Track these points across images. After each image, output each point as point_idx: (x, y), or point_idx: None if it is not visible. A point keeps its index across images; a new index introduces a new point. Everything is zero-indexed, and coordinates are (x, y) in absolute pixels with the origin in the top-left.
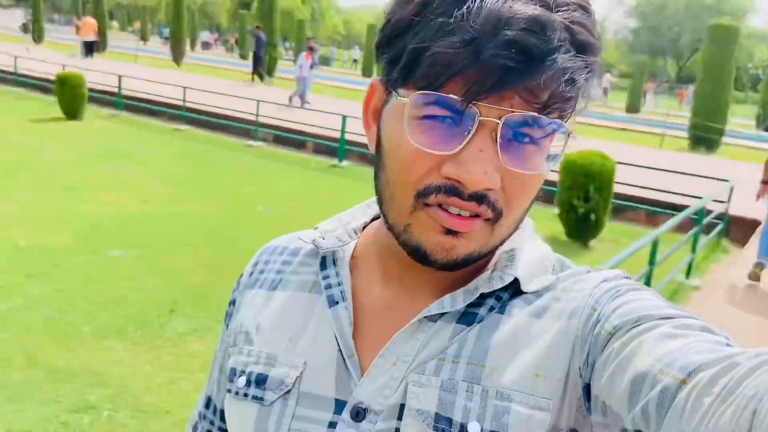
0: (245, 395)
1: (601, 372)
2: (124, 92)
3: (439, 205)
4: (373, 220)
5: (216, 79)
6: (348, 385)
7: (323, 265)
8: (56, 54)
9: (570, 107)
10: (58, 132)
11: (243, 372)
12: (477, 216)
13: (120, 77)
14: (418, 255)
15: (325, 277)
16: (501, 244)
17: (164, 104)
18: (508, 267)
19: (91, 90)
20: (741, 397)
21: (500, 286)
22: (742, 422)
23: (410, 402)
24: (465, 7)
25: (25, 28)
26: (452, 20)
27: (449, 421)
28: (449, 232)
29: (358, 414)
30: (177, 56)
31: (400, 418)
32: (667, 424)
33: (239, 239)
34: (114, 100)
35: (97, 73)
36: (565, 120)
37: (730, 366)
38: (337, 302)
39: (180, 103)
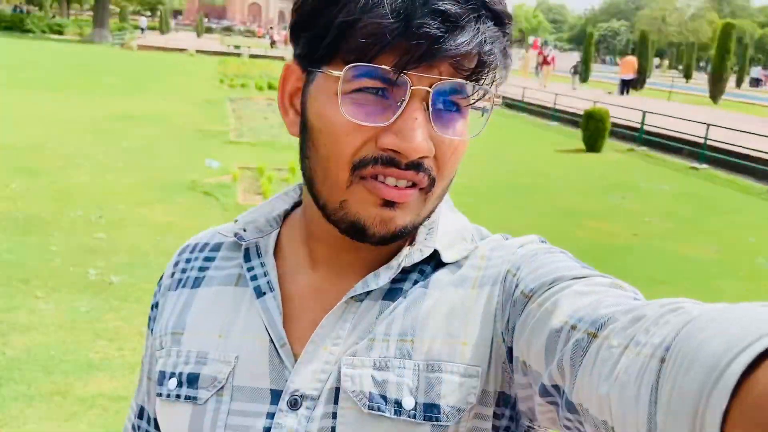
0: (177, 396)
1: (520, 334)
2: (646, 128)
3: (375, 178)
4: (293, 208)
5: (758, 117)
6: (282, 375)
7: (247, 257)
8: (595, 91)
9: (492, 75)
10: (575, 162)
11: (173, 374)
12: (413, 186)
13: (644, 113)
14: (355, 230)
15: (250, 269)
16: (430, 214)
17: (684, 141)
18: (428, 240)
19: (615, 125)
20: (648, 346)
21: (420, 258)
22: (649, 370)
23: (345, 384)
24: None
25: (574, 70)
26: None
27: (383, 398)
28: (387, 204)
29: (296, 402)
30: (715, 93)
31: (336, 402)
32: (580, 376)
33: (727, 289)
34: (635, 135)
35: (624, 109)
36: (489, 87)
37: (636, 318)
38: (265, 293)
39: (701, 140)
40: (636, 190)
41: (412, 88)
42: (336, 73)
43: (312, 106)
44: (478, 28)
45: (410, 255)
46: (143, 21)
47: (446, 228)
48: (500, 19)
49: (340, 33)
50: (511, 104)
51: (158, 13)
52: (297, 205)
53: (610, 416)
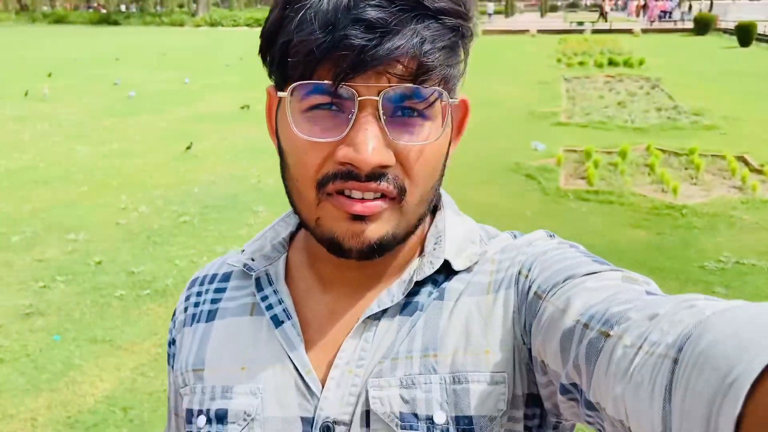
0: None
1: (536, 334)
2: None
3: (341, 192)
4: (298, 229)
5: None
6: (311, 402)
7: (259, 286)
8: None
9: (447, 73)
10: None
11: (201, 411)
12: (382, 197)
13: None
14: (333, 246)
15: (264, 298)
16: (419, 222)
17: None
18: (437, 250)
19: None
20: (662, 346)
21: (432, 271)
22: (663, 371)
23: (374, 407)
24: None
25: None
26: (310, 10)
27: (415, 416)
28: (356, 217)
29: (328, 429)
30: None
31: (368, 425)
32: (596, 376)
33: None
34: None
35: None
36: (451, 86)
37: (650, 316)
38: (283, 321)
39: None
40: None
41: (359, 98)
42: (282, 94)
43: (280, 129)
44: (415, 29)
45: (421, 268)
46: (490, 6)
47: (454, 235)
48: (442, 15)
49: (282, 55)
50: None
51: None
52: (301, 226)
53: (625, 416)
